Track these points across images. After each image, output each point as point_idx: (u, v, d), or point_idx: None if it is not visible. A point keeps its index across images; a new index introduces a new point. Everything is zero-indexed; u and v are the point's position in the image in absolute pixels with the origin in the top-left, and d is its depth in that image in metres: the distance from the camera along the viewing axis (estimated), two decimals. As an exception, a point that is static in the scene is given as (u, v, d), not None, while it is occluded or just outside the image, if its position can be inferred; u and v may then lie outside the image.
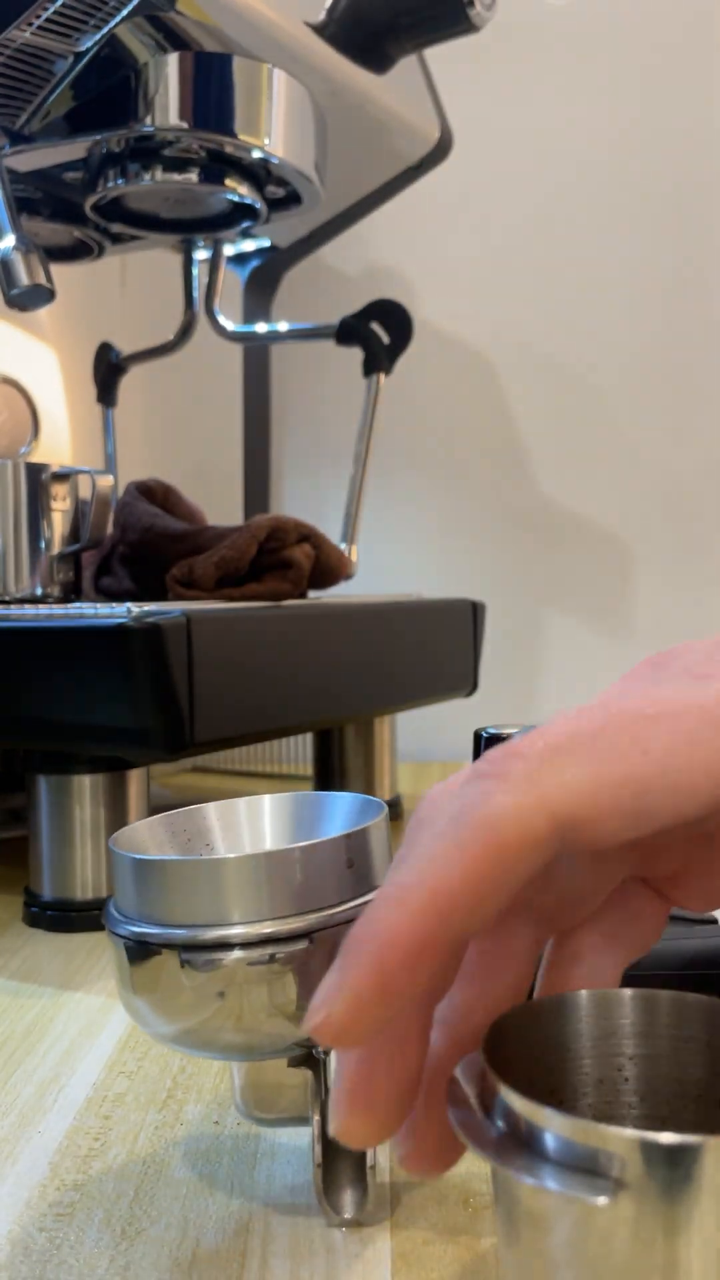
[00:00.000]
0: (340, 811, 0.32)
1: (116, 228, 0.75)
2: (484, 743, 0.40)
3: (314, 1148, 0.29)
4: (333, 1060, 0.29)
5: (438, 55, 0.79)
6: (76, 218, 0.75)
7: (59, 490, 0.62)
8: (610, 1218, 0.17)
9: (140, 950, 0.27)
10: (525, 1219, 0.19)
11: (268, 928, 0.26)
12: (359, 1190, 0.29)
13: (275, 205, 0.75)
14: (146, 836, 0.31)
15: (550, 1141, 0.18)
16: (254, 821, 0.33)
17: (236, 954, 0.26)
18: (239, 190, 0.69)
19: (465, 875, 0.18)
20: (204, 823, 0.32)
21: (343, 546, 0.77)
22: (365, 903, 0.27)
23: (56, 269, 0.62)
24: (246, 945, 0.26)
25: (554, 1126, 0.18)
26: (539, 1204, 0.19)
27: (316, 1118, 0.29)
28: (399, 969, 0.18)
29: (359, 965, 0.18)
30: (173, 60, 0.62)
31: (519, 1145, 0.18)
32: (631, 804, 0.18)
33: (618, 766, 0.18)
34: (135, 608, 0.50)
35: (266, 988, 0.26)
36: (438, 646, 0.72)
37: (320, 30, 0.67)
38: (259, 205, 0.72)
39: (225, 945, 0.26)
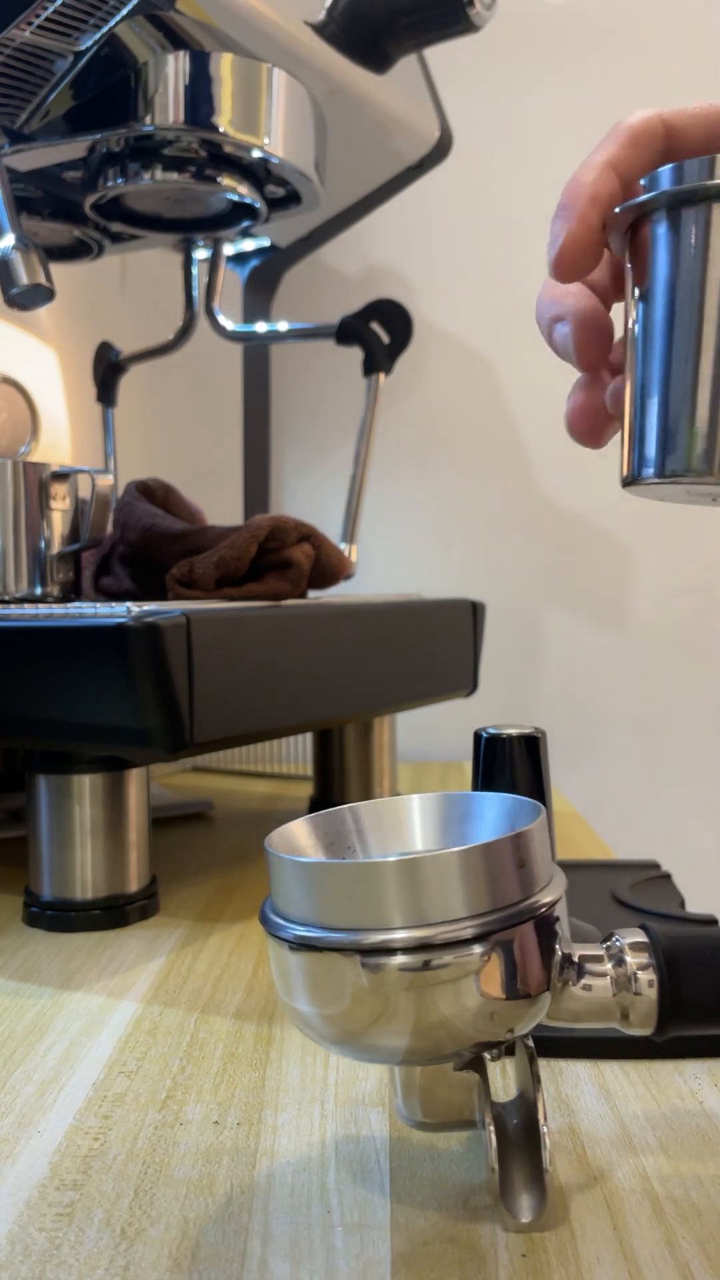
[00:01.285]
0: (490, 812, 0.31)
1: (116, 227, 0.75)
2: (484, 743, 0.40)
3: (489, 1152, 0.28)
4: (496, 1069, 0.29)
5: (438, 55, 0.79)
6: (76, 217, 0.75)
7: (58, 490, 0.62)
8: None
9: (311, 953, 0.26)
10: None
11: (451, 930, 0.26)
12: (536, 1195, 0.28)
13: (275, 205, 0.75)
14: (302, 839, 0.30)
15: None
16: (398, 823, 0.32)
17: (421, 957, 0.25)
18: (238, 190, 0.69)
19: (619, 147, 0.29)
20: (345, 825, 0.32)
21: (343, 546, 0.77)
22: (541, 904, 0.27)
23: (56, 268, 0.62)
24: (432, 948, 0.25)
25: None
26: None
27: (490, 1124, 0.28)
28: (602, 195, 0.28)
29: (577, 198, 0.28)
30: (172, 59, 0.62)
31: None
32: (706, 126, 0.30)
33: (704, 108, 0.31)
34: (135, 607, 0.50)
35: (447, 992, 0.26)
36: (438, 646, 0.72)
37: (320, 30, 0.67)
38: (259, 205, 0.72)
39: (418, 948, 0.25)
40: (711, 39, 1.01)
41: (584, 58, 1.03)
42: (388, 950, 0.26)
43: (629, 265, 0.27)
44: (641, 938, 0.30)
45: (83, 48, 0.60)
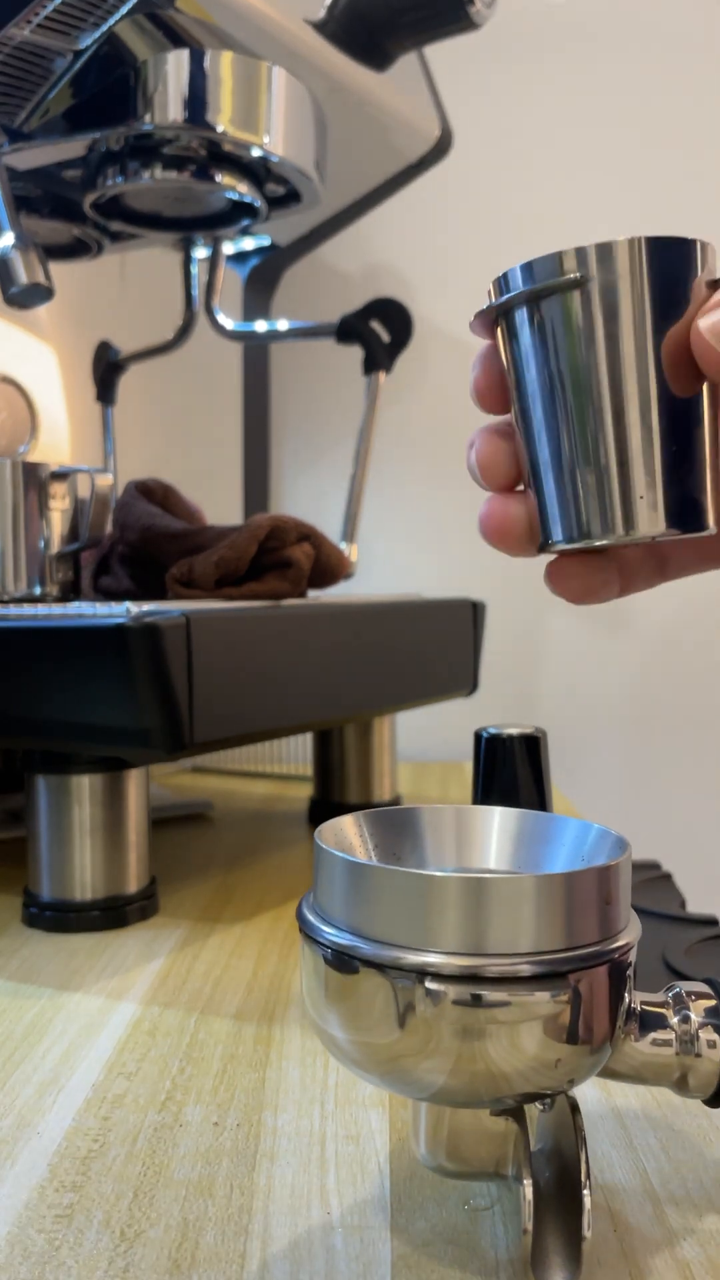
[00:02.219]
0: (567, 838, 0.28)
1: (116, 226, 0.75)
2: (484, 743, 0.40)
3: (524, 1209, 0.25)
4: (530, 1115, 0.27)
5: (438, 53, 0.79)
6: (76, 216, 0.75)
7: (58, 489, 0.62)
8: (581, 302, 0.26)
9: (345, 964, 0.24)
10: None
11: (509, 965, 0.23)
12: (571, 1264, 0.25)
13: (275, 203, 0.74)
14: (353, 836, 0.28)
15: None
16: (462, 834, 0.29)
17: (469, 989, 0.23)
18: (238, 188, 0.69)
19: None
20: (404, 827, 0.29)
21: (342, 546, 0.77)
22: (618, 948, 0.24)
23: (55, 267, 0.62)
24: (483, 980, 0.23)
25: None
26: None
27: (527, 1180, 0.25)
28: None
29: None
30: (172, 58, 0.62)
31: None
32: None
33: None
34: (134, 607, 0.49)
35: (512, 1031, 0.23)
36: (438, 646, 0.71)
37: (320, 27, 0.67)
38: (258, 203, 0.72)
39: (467, 978, 0.23)
40: (711, 38, 1.01)
41: (584, 55, 1.03)
42: (431, 975, 0.23)
43: (502, 355, 0.30)
44: (707, 991, 0.27)
45: (82, 46, 0.60)
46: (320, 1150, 0.32)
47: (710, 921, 0.49)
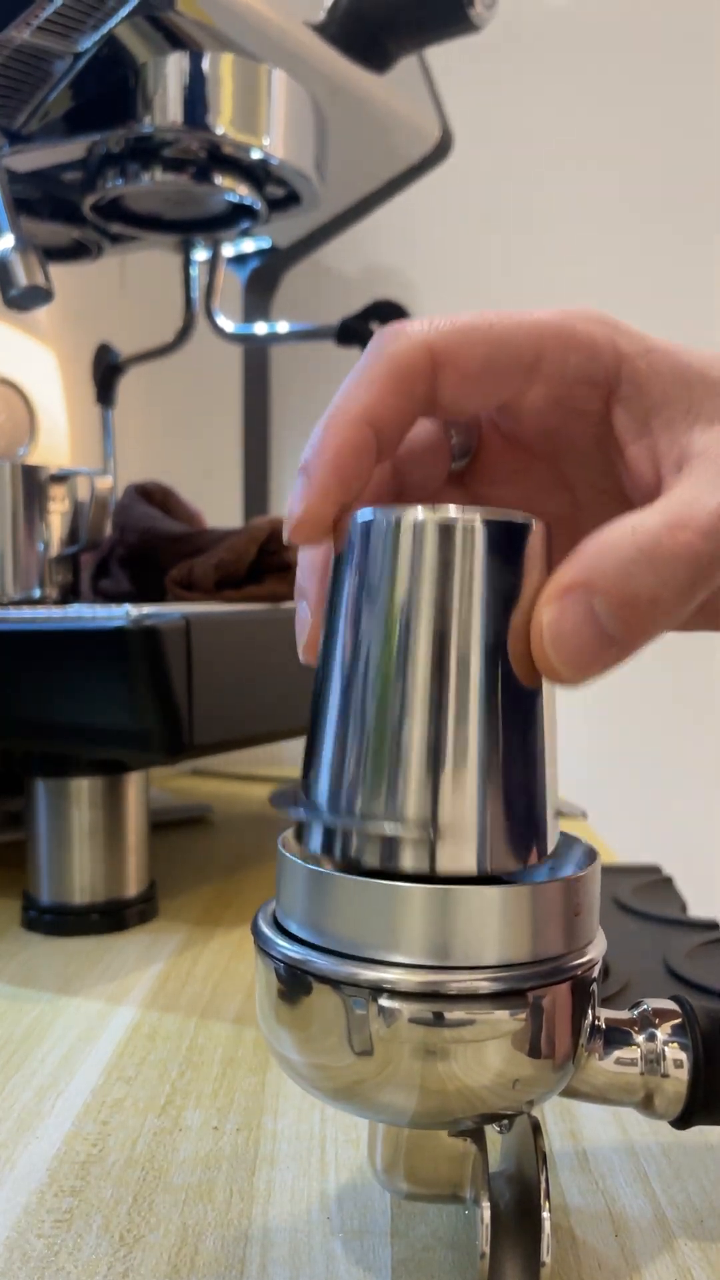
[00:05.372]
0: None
1: (116, 228, 0.75)
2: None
3: (480, 1232, 0.24)
4: (492, 1137, 0.26)
5: (438, 55, 0.79)
6: (75, 218, 0.75)
7: (57, 492, 0.62)
8: None
9: (297, 979, 0.23)
10: None
11: (470, 980, 0.22)
12: None
13: (275, 205, 0.74)
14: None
15: None
16: None
17: (430, 1007, 0.22)
18: (238, 190, 0.69)
19: (379, 392, 0.27)
20: None
21: (342, 548, 0.77)
22: (583, 963, 0.24)
23: (55, 270, 0.62)
24: (444, 998, 0.22)
25: None
26: None
27: (486, 1202, 0.25)
28: (349, 461, 0.26)
29: (321, 466, 0.26)
30: (172, 60, 0.62)
31: None
32: (483, 347, 0.26)
33: (475, 324, 0.26)
34: (134, 610, 0.49)
35: (469, 1050, 0.22)
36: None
37: (320, 29, 0.67)
38: (258, 205, 0.72)
39: (430, 995, 0.22)
40: (711, 37, 1.01)
41: (585, 57, 1.03)
42: (389, 992, 0.22)
43: None
44: (674, 1009, 0.27)
45: (82, 48, 0.60)
46: (320, 1154, 0.32)
47: (711, 925, 0.49)
